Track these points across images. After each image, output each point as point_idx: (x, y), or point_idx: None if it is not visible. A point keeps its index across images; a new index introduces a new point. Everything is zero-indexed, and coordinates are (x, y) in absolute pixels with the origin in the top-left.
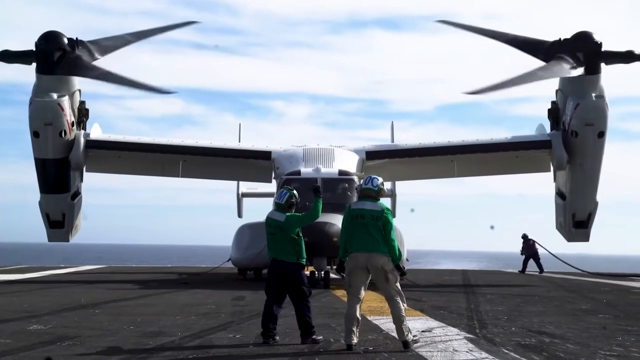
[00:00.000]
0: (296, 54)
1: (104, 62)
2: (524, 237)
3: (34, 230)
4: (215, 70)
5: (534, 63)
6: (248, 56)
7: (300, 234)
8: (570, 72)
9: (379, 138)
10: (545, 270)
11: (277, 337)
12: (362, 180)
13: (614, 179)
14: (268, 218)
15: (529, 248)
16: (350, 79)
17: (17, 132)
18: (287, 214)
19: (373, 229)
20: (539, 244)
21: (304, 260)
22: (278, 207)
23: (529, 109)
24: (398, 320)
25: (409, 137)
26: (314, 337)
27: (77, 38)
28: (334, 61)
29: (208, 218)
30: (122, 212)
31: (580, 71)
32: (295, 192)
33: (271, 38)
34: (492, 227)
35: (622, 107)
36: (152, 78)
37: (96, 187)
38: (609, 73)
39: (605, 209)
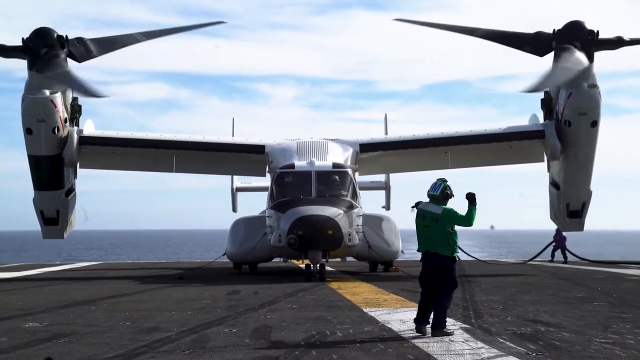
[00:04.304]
0: (280, 36)
1: (101, 59)
2: None
3: (26, 217)
4: (199, 53)
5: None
6: (232, 39)
7: (455, 228)
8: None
9: (367, 119)
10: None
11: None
12: None
13: (603, 154)
14: (421, 210)
15: None
16: (336, 60)
17: (1, 119)
18: (444, 206)
19: None
20: None
21: (457, 254)
22: (432, 198)
23: (515, 86)
24: None
25: (398, 116)
26: (445, 329)
27: (66, 35)
28: (318, 42)
29: (201, 201)
30: (113, 198)
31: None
32: (448, 182)
33: (254, 20)
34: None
35: (610, 82)
36: (137, 62)
37: (85, 173)
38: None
39: (595, 184)
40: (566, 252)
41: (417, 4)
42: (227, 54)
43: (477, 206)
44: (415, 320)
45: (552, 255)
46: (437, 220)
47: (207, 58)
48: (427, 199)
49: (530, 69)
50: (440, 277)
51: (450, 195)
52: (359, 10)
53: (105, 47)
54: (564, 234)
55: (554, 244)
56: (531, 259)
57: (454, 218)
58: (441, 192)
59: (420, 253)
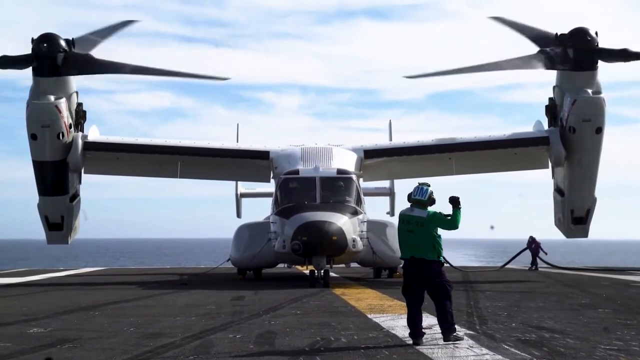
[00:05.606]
0: (284, 45)
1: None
2: None
3: (31, 226)
4: (203, 62)
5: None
6: (236, 48)
7: (439, 233)
8: (543, 68)
9: (371, 128)
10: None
11: (426, 334)
12: None
13: (607, 163)
14: (405, 215)
15: None
16: (340, 69)
17: (5, 128)
18: (429, 211)
19: None
20: None
21: (443, 258)
22: (418, 203)
23: (520, 96)
24: None
25: (402, 125)
26: (455, 334)
27: (73, 38)
28: (322, 52)
29: (205, 210)
30: (116, 207)
31: (569, 67)
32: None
33: (259, 29)
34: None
35: (615, 92)
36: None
37: (88, 181)
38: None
39: (599, 193)
40: (537, 259)
41: (420, 14)
42: (231, 63)
43: (461, 209)
44: (411, 335)
45: (534, 263)
46: (422, 224)
47: (211, 67)
48: (409, 204)
49: (535, 78)
50: (435, 285)
51: (434, 200)
52: (362, 20)
53: (96, 69)
54: (538, 240)
55: (527, 250)
56: (503, 266)
57: (439, 221)
58: (428, 197)
59: (403, 261)
